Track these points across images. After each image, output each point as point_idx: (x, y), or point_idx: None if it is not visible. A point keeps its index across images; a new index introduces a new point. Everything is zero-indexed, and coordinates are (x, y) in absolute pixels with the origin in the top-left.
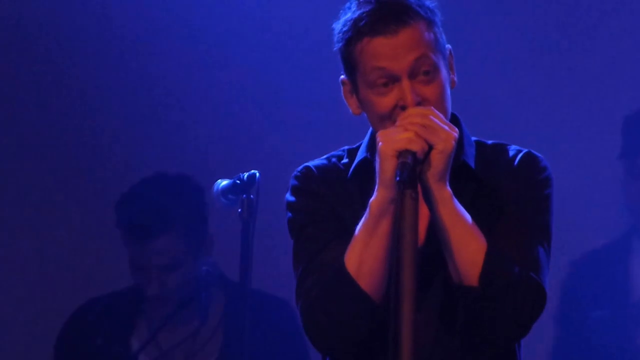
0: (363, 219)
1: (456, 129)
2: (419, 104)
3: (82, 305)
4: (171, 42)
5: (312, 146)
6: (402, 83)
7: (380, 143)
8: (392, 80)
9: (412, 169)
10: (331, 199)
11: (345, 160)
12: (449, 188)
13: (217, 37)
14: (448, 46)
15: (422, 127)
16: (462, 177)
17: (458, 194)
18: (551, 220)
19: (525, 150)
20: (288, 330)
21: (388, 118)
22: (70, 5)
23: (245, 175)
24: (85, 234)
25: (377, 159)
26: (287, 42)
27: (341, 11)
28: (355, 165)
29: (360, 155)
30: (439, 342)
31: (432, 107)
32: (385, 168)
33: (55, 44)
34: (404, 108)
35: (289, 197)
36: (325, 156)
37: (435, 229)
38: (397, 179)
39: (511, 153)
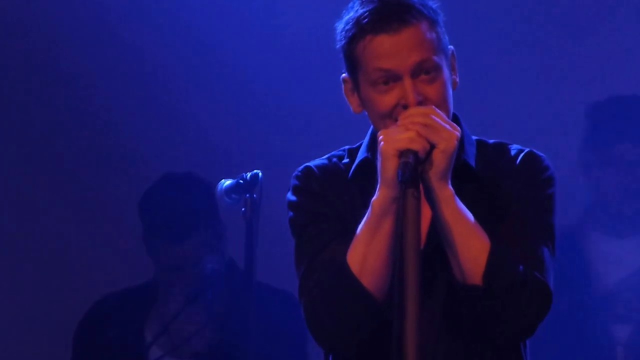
0: (365, 218)
1: (458, 128)
2: (420, 103)
3: (97, 301)
4: (173, 43)
5: (315, 146)
6: (404, 82)
7: (381, 143)
8: (394, 78)
9: (413, 168)
10: (332, 199)
11: (346, 160)
12: (451, 187)
13: (220, 38)
14: (450, 47)
15: (424, 127)
16: (462, 176)
17: (459, 193)
18: (554, 219)
19: (527, 150)
20: (292, 326)
21: (389, 117)
22: (76, 5)
23: (248, 175)
24: (100, 234)
25: (379, 159)
26: (290, 42)
27: (344, 11)
28: (356, 166)
29: (360, 155)
30: (443, 341)
31: (434, 106)
32: (387, 167)
33: (61, 45)
34: (405, 107)
35: (290, 196)
36: (325, 156)
37: (438, 228)
38: (399, 178)
39: (513, 152)
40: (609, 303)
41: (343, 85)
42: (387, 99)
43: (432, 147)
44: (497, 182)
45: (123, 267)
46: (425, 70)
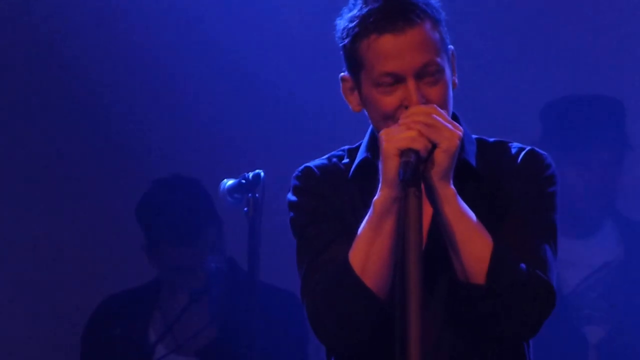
0: (367, 217)
1: (460, 128)
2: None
3: (103, 300)
4: (176, 44)
5: (317, 146)
6: (408, 84)
7: (383, 142)
8: (398, 79)
9: (415, 167)
10: (332, 199)
11: (345, 160)
12: (452, 186)
13: (223, 39)
14: (451, 47)
15: (426, 126)
16: (463, 175)
17: (460, 192)
18: (556, 217)
19: (528, 148)
20: (294, 325)
21: (391, 117)
22: (80, 5)
23: (251, 174)
24: (105, 234)
25: (381, 158)
26: (292, 42)
27: (344, 8)
28: (356, 165)
29: (360, 155)
30: (445, 340)
31: (435, 106)
32: (389, 167)
33: (64, 45)
34: (408, 108)
35: (290, 197)
36: (325, 156)
37: (440, 227)
38: (401, 177)
39: (513, 151)
40: (574, 304)
41: (341, 84)
42: (390, 100)
43: (434, 146)
44: (498, 180)
45: (128, 267)
46: (428, 72)
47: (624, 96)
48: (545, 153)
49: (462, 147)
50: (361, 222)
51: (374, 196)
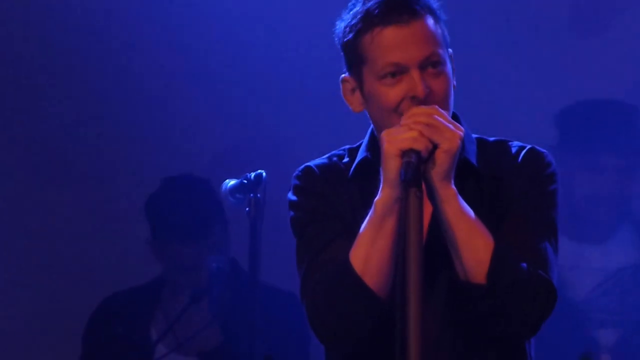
0: (368, 217)
1: (461, 128)
2: (426, 95)
3: (104, 299)
4: (178, 44)
5: (318, 146)
6: (412, 74)
7: (384, 143)
8: (401, 71)
9: (416, 167)
10: (332, 198)
11: (346, 160)
12: (453, 186)
13: (224, 39)
14: (450, 51)
15: (427, 127)
16: (464, 174)
17: (460, 191)
18: (557, 215)
19: (528, 146)
20: (295, 324)
21: (395, 111)
22: (81, 7)
23: (252, 175)
24: (107, 234)
25: (382, 159)
26: (294, 43)
27: (344, 10)
28: (356, 165)
29: (360, 154)
30: (446, 340)
31: (437, 106)
32: (390, 167)
33: (65, 47)
34: (414, 98)
35: (290, 196)
36: (326, 155)
37: (441, 227)
38: (402, 178)
39: (514, 149)
40: (589, 309)
41: (342, 86)
42: (394, 92)
43: (435, 146)
44: (499, 179)
45: (129, 267)
46: (432, 63)
47: (638, 100)
48: (545, 151)
49: (462, 146)
50: (361, 221)
51: (374, 195)
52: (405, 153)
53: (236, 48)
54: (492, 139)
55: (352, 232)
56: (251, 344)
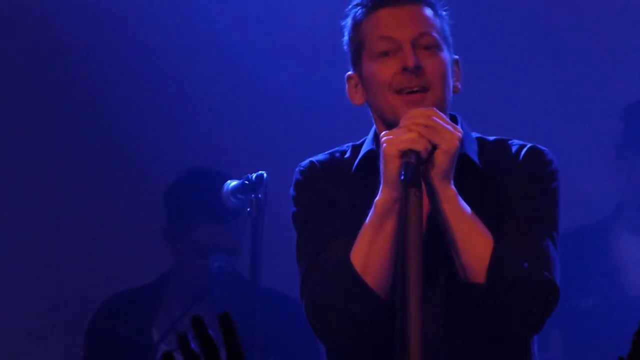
0: (368, 217)
1: (460, 130)
2: (417, 68)
3: (105, 300)
4: (180, 44)
5: (320, 146)
6: (404, 48)
7: (384, 144)
8: (395, 49)
9: (416, 168)
10: (333, 194)
11: (348, 155)
12: (453, 187)
13: (226, 39)
14: (456, 57)
15: (426, 128)
16: (465, 173)
17: (461, 189)
18: (558, 213)
19: (529, 145)
20: (296, 324)
21: (389, 87)
22: (85, 5)
23: (254, 175)
24: (107, 233)
25: (381, 160)
26: (296, 42)
27: (347, 9)
28: (360, 158)
29: (365, 147)
30: (446, 339)
31: (434, 108)
32: (390, 168)
33: (68, 45)
34: (405, 70)
35: (292, 191)
36: (329, 151)
37: (441, 227)
38: (402, 178)
39: (514, 148)
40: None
41: (347, 84)
42: (387, 67)
43: (434, 147)
44: (500, 177)
45: (130, 267)
46: (425, 45)
47: None
48: (546, 149)
49: (463, 145)
50: (361, 217)
51: (376, 190)
52: (404, 154)
53: (238, 49)
54: (491, 138)
55: (352, 229)
56: (252, 344)
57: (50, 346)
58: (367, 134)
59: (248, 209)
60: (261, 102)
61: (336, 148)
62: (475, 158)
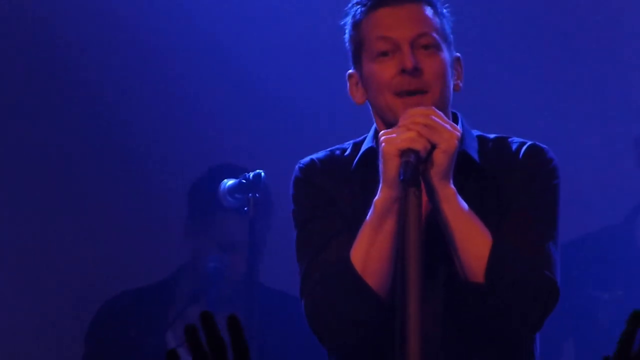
0: (368, 217)
1: (459, 129)
2: (416, 69)
3: (107, 301)
4: (179, 44)
5: (319, 145)
6: (403, 49)
7: (383, 144)
8: (394, 49)
9: (415, 167)
10: (333, 192)
11: (348, 152)
12: (452, 186)
13: (225, 39)
14: (457, 54)
15: (425, 127)
16: (465, 170)
17: (461, 187)
18: (558, 211)
19: (529, 142)
20: (294, 324)
21: (388, 87)
22: (85, 5)
23: (251, 174)
24: (107, 234)
25: (381, 160)
26: (295, 42)
27: (347, 8)
28: (361, 155)
29: (366, 145)
30: (445, 338)
31: (434, 107)
32: (389, 167)
33: (69, 45)
34: (404, 71)
35: (291, 189)
36: (329, 149)
37: (440, 226)
38: (401, 177)
39: (515, 146)
40: None
41: (348, 82)
42: (386, 68)
43: (433, 147)
44: (500, 175)
45: (130, 267)
46: (424, 45)
47: None
48: (546, 147)
49: (464, 142)
50: (361, 215)
51: (375, 188)
52: (403, 153)
53: (236, 48)
54: (492, 135)
55: (352, 227)
56: (250, 344)
57: (51, 346)
58: (367, 131)
59: (245, 208)
60: (260, 100)
61: (337, 146)
62: (475, 156)
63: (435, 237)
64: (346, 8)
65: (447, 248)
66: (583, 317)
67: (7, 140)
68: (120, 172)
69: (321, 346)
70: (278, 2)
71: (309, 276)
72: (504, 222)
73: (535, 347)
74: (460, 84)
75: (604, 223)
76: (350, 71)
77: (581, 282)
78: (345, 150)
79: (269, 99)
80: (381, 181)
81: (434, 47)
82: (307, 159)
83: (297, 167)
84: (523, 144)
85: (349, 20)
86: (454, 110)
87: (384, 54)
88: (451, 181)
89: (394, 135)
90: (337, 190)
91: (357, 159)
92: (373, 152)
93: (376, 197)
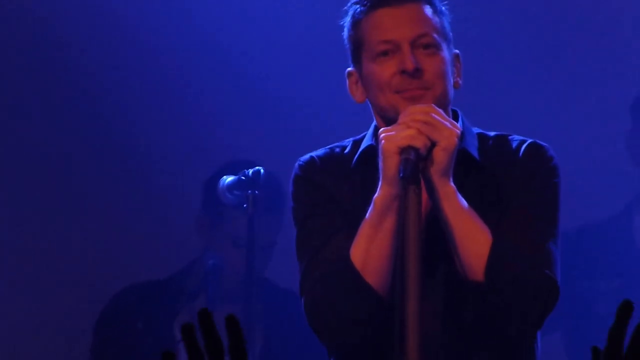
0: (368, 215)
1: (458, 126)
2: (416, 70)
3: (110, 299)
4: (179, 43)
5: (317, 143)
6: (403, 49)
7: (382, 141)
8: (394, 50)
9: (415, 165)
10: (332, 190)
11: (348, 150)
12: (452, 184)
13: (224, 38)
14: (456, 51)
15: (425, 124)
16: (465, 168)
17: (461, 185)
18: (559, 209)
19: (530, 140)
20: (293, 321)
21: (388, 87)
22: (85, 4)
23: (250, 171)
24: (108, 234)
25: (380, 157)
26: (294, 40)
27: (346, 6)
28: (360, 153)
29: (366, 142)
30: (445, 337)
31: (433, 105)
32: (389, 165)
33: (70, 44)
34: (404, 72)
35: (291, 187)
36: (329, 146)
37: (440, 224)
38: (401, 174)
39: (515, 144)
40: None
41: (347, 80)
42: (386, 68)
43: (433, 144)
44: (500, 173)
45: (131, 267)
46: (424, 44)
47: None
48: (546, 145)
49: (464, 140)
50: (361, 212)
51: (375, 186)
52: (403, 150)
53: (237, 46)
54: (492, 133)
55: (352, 225)
56: (249, 343)
57: (51, 346)
58: (367, 129)
59: (244, 205)
60: (259, 98)
61: (336, 143)
62: (475, 153)
63: (435, 235)
64: (345, 7)
65: (447, 246)
66: (581, 309)
67: (7, 140)
68: (121, 171)
69: (321, 344)
70: (278, 2)
71: (309, 274)
72: (504, 220)
73: (536, 345)
74: (460, 81)
75: (602, 217)
76: (349, 69)
77: (580, 274)
78: (345, 147)
79: (268, 97)
80: (381, 179)
81: (434, 47)
82: (306, 156)
83: (296, 164)
84: (523, 142)
85: (347, 19)
86: (454, 108)
87: (384, 53)
88: (451, 179)
89: (393, 132)
90: (336, 188)
91: (356, 156)
92: (373, 149)
93: (376, 195)
